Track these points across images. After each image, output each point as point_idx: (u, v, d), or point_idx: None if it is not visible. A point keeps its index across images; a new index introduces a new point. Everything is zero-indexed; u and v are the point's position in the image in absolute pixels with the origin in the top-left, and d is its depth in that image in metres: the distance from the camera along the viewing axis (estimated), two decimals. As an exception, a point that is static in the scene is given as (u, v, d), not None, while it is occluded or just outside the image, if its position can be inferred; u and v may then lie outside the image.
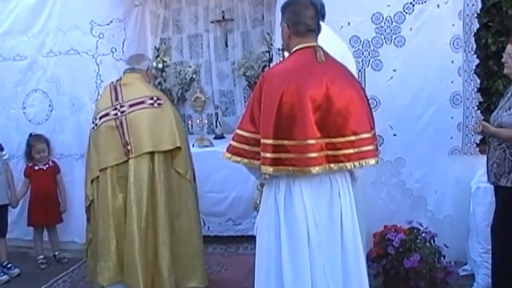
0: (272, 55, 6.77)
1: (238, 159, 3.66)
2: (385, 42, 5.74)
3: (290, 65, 3.69)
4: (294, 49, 3.72)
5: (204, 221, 6.26)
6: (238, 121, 7.17)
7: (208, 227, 6.64)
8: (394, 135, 5.73)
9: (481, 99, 5.76)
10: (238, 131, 3.67)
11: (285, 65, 3.77)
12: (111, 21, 6.80)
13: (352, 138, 3.57)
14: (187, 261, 5.20)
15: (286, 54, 3.94)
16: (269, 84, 3.57)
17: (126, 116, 4.99)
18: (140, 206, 4.89)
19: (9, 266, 6.38)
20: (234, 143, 3.67)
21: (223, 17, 7.70)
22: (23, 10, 6.87)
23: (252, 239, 5.94)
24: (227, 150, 3.71)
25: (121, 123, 4.99)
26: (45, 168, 6.61)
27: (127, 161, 4.94)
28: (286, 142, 3.49)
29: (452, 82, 5.69)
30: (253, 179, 5.90)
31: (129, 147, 4.92)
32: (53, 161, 6.70)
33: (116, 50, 6.68)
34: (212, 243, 6.40)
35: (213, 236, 6.49)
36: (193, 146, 5.75)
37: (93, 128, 5.19)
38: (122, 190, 4.98)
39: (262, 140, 3.53)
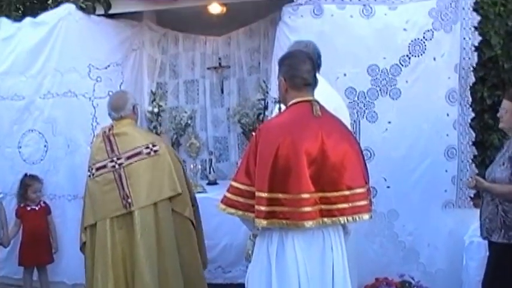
0: (267, 103, 6.81)
1: (233, 211, 3.67)
2: (381, 94, 5.80)
3: (286, 118, 3.72)
4: (291, 103, 3.75)
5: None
6: (234, 168, 7.31)
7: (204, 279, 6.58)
8: (388, 187, 5.75)
9: (476, 153, 5.80)
10: (233, 183, 3.67)
11: (281, 118, 3.79)
12: (109, 65, 6.88)
13: (346, 192, 3.59)
14: None
15: (282, 106, 3.97)
16: (265, 137, 3.60)
17: (124, 168, 5.07)
18: (151, 256, 4.96)
19: (-3, 304, 6.32)
20: (228, 195, 3.68)
21: (219, 63, 7.77)
22: (23, 51, 6.92)
23: (241, 287, 5.94)
24: (222, 202, 3.71)
25: (119, 176, 5.06)
26: (37, 208, 6.56)
27: (127, 213, 4.98)
28: (280, 195, 3.50)
29: (447, 135, 5.74)
30: (245, 228, 5.95)
31: (129, 200, 4.98)
32: (44, 202, 6.67)
33: (112, 93, 6.64)
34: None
35: (202, 284, 6.45)
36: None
37: (89, 176, 5.24)
38: (122, 242, 5.05)
39: (257, 193, 3.54)
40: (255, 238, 3.93)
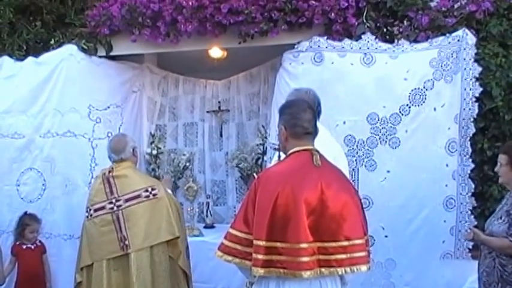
0: (266, 148, 6.82)
1: (230, 258, 3.64)
2: (380, 142, 5.79)
3: (286, 167, 3.71)
4: (291, 151, 3.75)
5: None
6: (231, 212, 7.28)
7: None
8: (386, 236, 5.70)
9: (475, 204, 5.75)
10: (231, 231, 3.66)
11: (281, 167, 3.77)
12: (109, 106, 6.92)
13: (345, 243, 3.56)
14: None
15: (282, 154, 3.97)
16: (264, 185, 3.59)
17: (123, 210, 5.08)
18: None
19: None
20: (226, 242, 3.66)
21: (219, 107, 7.81)
22: (24, 90, 6.94)
23: (237, 331, 5.88)
24: (219, 249, 3.69)
25: (117, 218, 5.07)
26: (32, 247, 6.51)
27: (123, 255, 4.98)
28: (278, 244, 3.48)
29: (446, 185, 5.71)
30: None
31: (126, 243, 4.99)
32: (40, 241, 6.62)
33: (112, 134, 6.65)
34: None
35: (198, 327, 6.38)
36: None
37: (87, 217, 5.25)
38: (117, 283, 5.06)
39: (254, 241, 3.51)
40: (251, 286, 3.89)
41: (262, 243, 3.47)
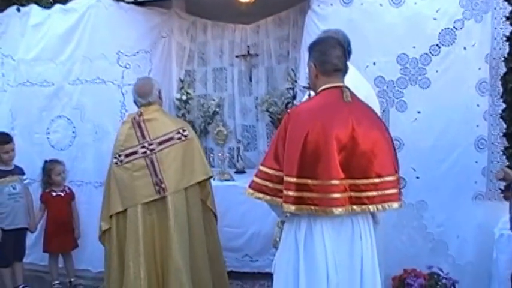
0: (296, 92, 6.77)
1: (261, 195, 3.65)
2: (410, 83, 5.74)
3: (316, 104, 3.68)
4: (321, 88, 3.72)
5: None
6: (262, 157, 7.27)
7: (225, 262, 6.57)
8: (417, 177, 5.68)
9: (507, 144, 5.69)
10: (262, 168, 3.66)
11: (311, 104, 3.75)
12: (138, 52, 6.89)
13: (376, 180, 3.56)
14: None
15: (312, 93, 3.93)
16: (294, 122, 3.57)
17: (156, 154, 5.05)
18: (184, 241, 4.98)
19: (24, 289, 6.39)
20: (257, 180, 3.66)
21: (248, 51, 7.74)
22: (52, 38, 6.97)
23: (268, 276, 5.89)
24: (250, 187, 3.70)
25: (152, 161, 5.06)
26: (62, 194, 6.63)
27: (159, 198, 5.00)
28: (309, 181, 3.48)
29: (477, 126, 5.66)
30: (273, 216, 5.87)
31: (163, 186, 4.99)
32: (69, 188, 6.73)
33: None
34: (228, 278, 6.32)
35: (229, 272, 6.36)
36: (214, 179, 5.75)
37: (116, 163, 5.21)
38: (152, 227, 5.06)
39: (285, 178, 3.52)
40: (283, 225, 3.90)
41: (293, 179, 3.48)
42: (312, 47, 3.85)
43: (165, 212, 5.01)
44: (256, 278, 6.60)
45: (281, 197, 3.56)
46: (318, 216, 3.56)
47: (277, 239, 4.08)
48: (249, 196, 3.71)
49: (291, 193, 3.49)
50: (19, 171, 6.39)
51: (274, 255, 5.63)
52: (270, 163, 3.62)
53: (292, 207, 3.51)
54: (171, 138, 5.14)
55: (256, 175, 3.69)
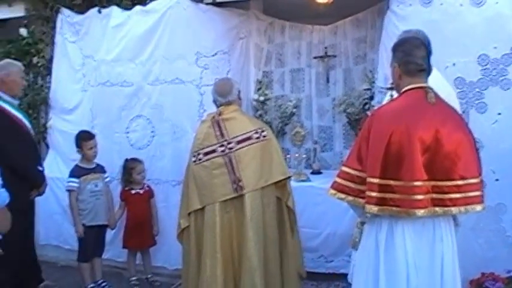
0: (374, 93, 6.71)
1: (343, 196, 3.64)
2: (491, 84, 5.58)
3: (400, 105, 3.65)
4: (404, 89, 3.68)
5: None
6: (338, 158, 7.24)
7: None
8: (496, 180, 5.50)
9: None
10: (344, 168, 3.64)
11: (395, 104, 3.72)
12: (216, 53, 6.95)
13: (460, 182, 3.50)
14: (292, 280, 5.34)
15: (394, 93, 3.90)
16: (378, 123, 3.55)
17: (235, 153, 5.07)
18: (259, 240, 4.97)
19: (103, 284, 6.54)
20: (339, 180, 3.65)
21: (325, 53, 7.69)
22: (132, 39, 7.10)
23: (343, 277, 5.90)
24: (332, 187, 3.68)
25: (230, 160, 5.07)
26: (141, 192, 6.72)
27: (236, 196, 5.02)
28: (392, 182, 3.44)
29: (559, 129, 5.46)
30: (349, 217, 5.91)
31: (241, 184, 5.00)
32: (148, 186, 6.83)
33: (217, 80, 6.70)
34: (303, 278, 6.31)
35: (304, 272, 6.41)
36: (290, 178, 5.75)
37: (195, 161, 5.26)
38: (229, 226, 5.07)
39: (368, 179, 3.50)
40: (362, 226, 3.87)
41: (376, 180, 3.45)
42: (395, 48, 3.82)
43: (242, 210, 5.02)
44: (331, 279, 6.54)
45: (363, 198, 3.54)
46: (399, 218, 3.53)
47: (357, 240, 4.03)
48: (331, 196, 3.69)
49: (373, 194, 3.47)
50: (101, 169, 6.53)
51: (350, 256, 5.68)
52: (352, 163, 3.61)
53: (375, 208, 3.48)
54: (249, 138, 5.14)
55: (338, 175, 3.68)
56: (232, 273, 5.08)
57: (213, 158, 5.15)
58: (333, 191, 3.68)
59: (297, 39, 7.90)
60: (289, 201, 5.31)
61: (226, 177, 5.07)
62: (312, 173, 7.23)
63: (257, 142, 5.13)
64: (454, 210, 3.52)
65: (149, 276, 6.83)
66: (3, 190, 3.45)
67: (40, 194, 6.14)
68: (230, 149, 5.10)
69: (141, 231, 6.68)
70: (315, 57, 7.78)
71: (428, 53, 3.82)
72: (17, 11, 8.22)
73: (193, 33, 6.90)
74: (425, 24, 5.39)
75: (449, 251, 3.60)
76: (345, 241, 6.14)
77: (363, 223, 3.88)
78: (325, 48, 7.69)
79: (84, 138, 6.40)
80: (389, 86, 4.31)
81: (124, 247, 6.77)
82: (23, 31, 8.16)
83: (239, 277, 5.02)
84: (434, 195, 3.48)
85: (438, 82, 4.34)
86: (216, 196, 5.08)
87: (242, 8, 7.40)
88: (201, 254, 5.12)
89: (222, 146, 5.14)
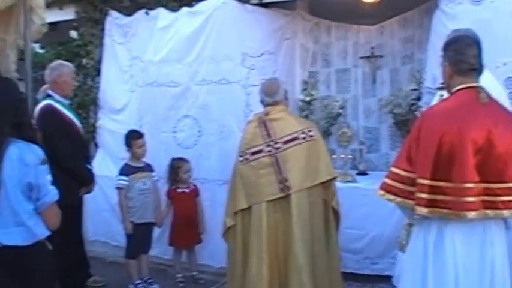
0: (421, 93, 6.66)
1: (392, 197, 3.59)
2: (543, 84, 5.50)
3: (451, 105, 3.58)
4: (455, 89, 3.61)
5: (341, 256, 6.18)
6: (384, 159, 7.18)
7: (345, 263, 6.53)
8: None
9: None
10: (394, 169, 3.59)
11: (446, 104, 3.65)
12: (263, 54, 6.99)
13: (512, 185, 3.43)
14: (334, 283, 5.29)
15: (445, 93, 3.86)
16: (429, 123, 3.49)
17: (282, 153, 5.07)
18: (306, 239, 4.95)
19: (150, 281, 6.60)
20: (388, 181, 3.60)
21: (372, 53, 7.66)
22: (180, 40, 7.18)
23: (388, 279, 5.85)
24: (380, 188, 3.64)
25: (276, 160, 5.07)
26: (187, 191, 6.79)
27: (283, 196, 5.01)
28: (443, 184, 3.38)
29: None
30: (395, 218, 5.87)
31: (287, 184, 4.99)
32: (194, 184, 6.89)
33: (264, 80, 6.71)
34: (347, 279, 6.24)
35: (349, 273, 6.34)
36: (336, 179, 5.73)
37: (242, 161, 5.28)
38: (276, 225, 5.05)
39: (418, 180, 3.44)
40: (410, 228, 3.84)
41: (426, 181, 3.39)
42: (446, 46, 3.75)
43: (288, 210, 5.01)
44: (376, 281, 6.50)
45: (413, 199, 3.48)
46: (449, 220, 3.46)
47: (404, 242, 4.01)
48: (379, 197, 3.64)
49: (423, 195, 3.41)
50: (149, 168, 6.60)
51: (395, 258, 5.61)
52: (402, 164, 3.56)
53: (425, 210, 3.42)
54: (296, 138, 5.12)
55: (387, 176, 3.63)
56: (278, 273, 5.07)
57: (260, 158, 5.15)
58: (381, 192, 3.64)
59: (343, 39, 7.88)
60: (333, 202, 5.28)
61: (273, 177, 5.07)
62: (358, 174, 7.21)
63: (304, 142, 5.12)
64: (506, 213, 3.43)
65: (194, 273, 6.90)
66: (53, 187, 3.52)
67: (89, 192, 6.26)
68: (277, 149, 5.10)
69: (187, 229, 6.75)
70: (361, 58, 7.76)
71: (480, 52, 3.78)
72: (67, 14, 8.41)
73: (240, 34, 6.95)
74: (475, 23, 5.31)
75: (500, 255, 3.51)
76: (390, 243, 6.12)
77: (410, 225, 3.86)
78: (372, 48, 7.66)
79: (133, 137, 6.49)
80: (439, 85, 4.26)
81: (170, 244, 6.87)
82: (73, 33, 8.34)
83: (285, 277, 5.01)
84: (486, 198, 3.40)
85: (488, 82, 4.28)
86: (263, 196, 5.08)
87: (288, 9, 7.42)
88: (247, 253, 5.13)
89: (268, 146, 5.14)
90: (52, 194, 3.49)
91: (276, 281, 5.06)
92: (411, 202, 3.49)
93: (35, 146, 3.45)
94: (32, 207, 3.40)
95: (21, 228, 3.37)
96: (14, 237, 3.35)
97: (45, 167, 3.46)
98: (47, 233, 3.51)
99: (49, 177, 3.48)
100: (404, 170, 3.53)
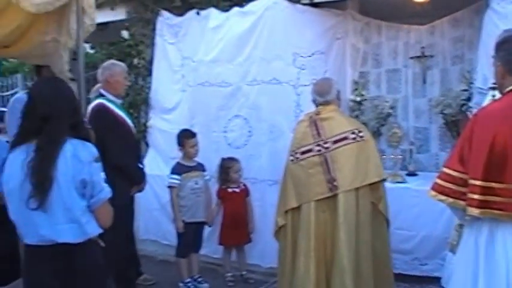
0: (472, 94, 6.60)
1: (443, 198, 3.57)
2: None
3: (504, 105, 3.53)
4: (508, 89, 3.58)
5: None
6: (434, 160, 7.13)
7: (394, 264, 6.50)
8: None
9: None
10: (446, 170, 3.58)
11: (499, 105, 3.61)
12: (313, 54, 6.99)
13: None
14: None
15: (497, 93, 3.83)
16: (481, 124, 3.46)
17: (331, 152, 5.09)
18: (351, 241, 4.95)
19: (199, 280, 6.68)
20: (440, 181, 3.59)
21: (422, 53, 7.59)
22: (230, 40, 7.23)
23: (437, 280, 5.82)
24: (432, 188, 3.63)
25: (325, 159, 5.08)
26: (238, 190, 6.85)
27: (330, 196, 5.03)
28: (495, 185, 3.35)
29: None
30: (445, 219, 5.83)
31: (335, 184, 5.00)
32: (244, 184, 6.94)
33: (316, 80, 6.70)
34: (396, 280, 6.19)
35: (398, 274, 6.27)
36: (386, 181, 5.70)
37: (292, 160, 5.31)
38: (324, 225, 5.07)
39: (470, 181, 3.41)
40: (461, 229, 3.81)
41: (478, 182, 3.36)
42: (498, 47, 3.71)
43: (335, 210, 5.01)
44: (425, 282, 6.45)
45: (464, 200, 3.46)
46: (500, 222, 3.42)
47: (455, 243, 3.98)
48: (431, 198, 3.63)
49: (475, 196, 3.38)
50: (201, 167, 6.67)
51: (445, 260, 5.57)
52: (454, 165, 3.54)
53: (476, 211, 3.40)
54: (345, 138, 5.13)
55: (439, 177, 3.62)
56: (325, 273, 5.08)
57: (309, 157, 5.17)
58: (433, 193, 3.62)
59: (393, 39, 7.81)
60: (380, 205, 5.24)
61: (322, 177, 5.08)
62: (408, 174, 7.15)
63: (353, 142, 5.12)
64: (558, 214, 3.42)
65: (244, 273, 6.95)
66: (106, 185, 3.59)
67: (140, 191, 6.33)
68: (326, 148, 5.12)
69: (237, 228, 6.80)
70: (411, 58, 7.68)
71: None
72: (119, 14, 8.54)
73: (290, 34, 6.97)
74: (529, 22, 5.30)
75: (553, 259, 3.50)
76: (440, 244, 6.08)
77: (461, 226, 3.83)
78: (422, 48, 7.58)
79: (186, 136, 6.57)
80: (491, 85, 4.22)
81: (220, 244, 6.92)
82: (125, 33, 8.43)
83: (331, 277, 5.04)
84: (539, 200, 3.39)
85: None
86: (312, 195, 5.10)
87: (339, 8, 7.41)
88: (296, 252, 5.16)
89: (318, 145, 5.16)
90: (106, 191, 3.56)
91: (323, 281, 5.07)
92: (463, 203, 3.47)
93: (89, 144, 3.53)
94: (85, 204, 3.46)
95: (74, 225, 3.43)
96: (65, 234, 3.41)
97: (99, 165, 3.53)
98: (99, 230, 3.57)
99: (103, 175, 3.55)
100: (456, 170, 3.51)
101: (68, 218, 3.40)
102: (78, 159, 3.40)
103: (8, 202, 3.50)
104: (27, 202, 3.33)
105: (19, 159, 3.38)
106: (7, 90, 12.37)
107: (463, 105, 6.93)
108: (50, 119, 3.41)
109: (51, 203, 3.34)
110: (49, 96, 3.49)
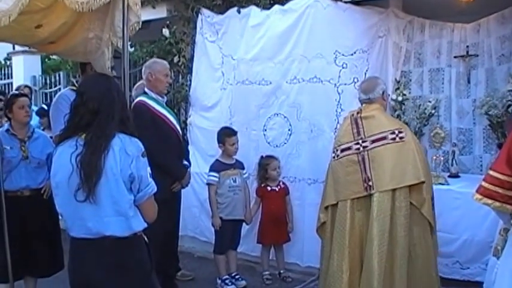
0: (518, 94, 6.46)
1: (489, 202, 3.49)
2: None
3: (553, 106, 3.48)
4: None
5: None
6: (477, 162, 7.00)
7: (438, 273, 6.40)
8: None
9: None
10: (492, 173, 3.49)
11: (547, 106, 3.56)
12: (355, 52, 6.92)
13: None
14: None
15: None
16: (529, 126, 3.40)
17: (369, 151, 5.06)
18: (382, 242, 4.90)
19: (237, 277, 6.72)
20: (486, 185, 3.51)
21: (467, 52, 7.42)
22: (271, 38, 7.22)
23: (478, 285, 5.69)
24: (477, 192, 3.55)
25: (363, 158, 5.07)
26: (277, 189, 6.84)
27: (367, 195, 5.00)
28: (541, 189, 3.28)
29: None
30: (488, 223, 5.72)
31: (370, 183, 4.98)
32: (283, 183, 6.93)
33: (357, 80, 6.65)
34: (435, 283, 6.18)
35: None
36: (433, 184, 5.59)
37: (334, 157, 5.31)
38: (360, 224, 5.07)
39: (517, 185, 3.35)
40: (506, 234, 3.73)
41: (525, 186, 3.30)
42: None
43: (369, 210, 5.00)
44: (466, 286, 6.31)
45: (511, 204, 3.40)
46: (545, 227, 3.38)
47: (499, 248, 3.90)
48: (477, 201, 3.55)
49: (523, 201, 3.32)
50: (240, 165, 6.69)
51: (487, 264, 5.46)
52: (501, 168, 3.45)
53: (523, 216, 3.34)
54: (384, 138, 5.09)
55: (485, 180, 3.53)
56: (359, 270, 5.07)
57: (348, 155, 5.18)
58: (479, 196, 3.54)
59: (437, 37, 7.63)
60: (423, 209, 5.09)
61: (358, 176, 5.07)
62: (450, 176, 7.00)
63: (392, 143, 5.07)
64: None
65: (281, 271, 6.95)
66: (152, 180, 3.59)
67: (183, 187, 6.34)
68: (364, 147, 5.10)
69: (275, 227, 6.81)
70: (455, 57, 7.49)
71: None
72: (159, 13, 8.56)
73: (332, 32, 6.92)
74: None
75: None
76: (482, 248, 5.97)
77: (506, 230, 3.75)
78: (467, 47, 7.40)
79: (227, 134, 6.59)
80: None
81: (258, 242, 6.94)
82: (165, 31, 8.45)
83: (360, 276, 5.03)
84: None
85: None
86: (348, 193, 5.11)
87: (381, 6, 7.31)
88: (331, 250, 5.18)
89: (357, 143, 5.15)
90: (152, 186, 3.59)
91: (357, 279, 5.06)
92: (510, 207, 3.39)
93: (135, 139, 3.56)
94: (132, 198, 3.49)
95: (121, 218, 3.45)
96: (113, 227, 3.44)
97: (145, 160, 3.56)
98: (144, 225, 3.59)
99: (149, 170, 3.58)
100: (503, 173, 3.43)
101: (115, 211, 3.43)
102: (126, 153, 3.44)
103: (55, 195, 3.55)
104: (75, 194, 3.37)
105: (68, 153, 3.42)
106: (50, 88, 12.64)
107: (509, 106, 6.78)
108: (99, 113, 3.45)
109: (99, 196, 3.37)
110: (98, 91, 3.54)
